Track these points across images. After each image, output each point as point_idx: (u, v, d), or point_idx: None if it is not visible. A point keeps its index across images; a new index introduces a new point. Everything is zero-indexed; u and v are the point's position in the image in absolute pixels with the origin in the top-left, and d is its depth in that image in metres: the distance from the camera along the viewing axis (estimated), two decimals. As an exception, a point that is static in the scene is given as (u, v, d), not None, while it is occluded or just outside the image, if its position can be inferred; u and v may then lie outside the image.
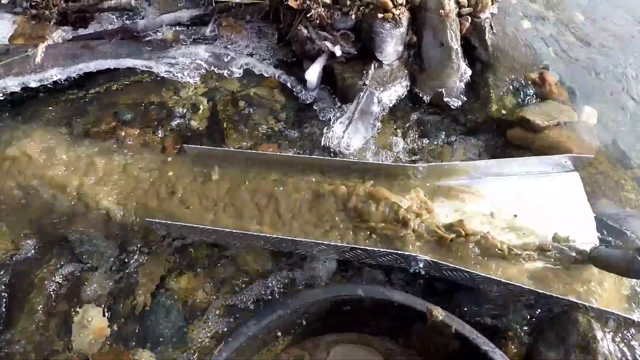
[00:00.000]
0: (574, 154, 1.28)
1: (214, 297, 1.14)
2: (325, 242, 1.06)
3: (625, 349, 0.93)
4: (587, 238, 1.14)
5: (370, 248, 1.04)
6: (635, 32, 1.97)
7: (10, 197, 1.27)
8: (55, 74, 1.50)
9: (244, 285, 1.15)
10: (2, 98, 1.46)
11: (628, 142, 1.52)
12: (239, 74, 1.62)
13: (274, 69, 1.63)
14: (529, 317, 1.01)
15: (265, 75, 1.63)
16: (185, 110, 1.54)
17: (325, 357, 0.69)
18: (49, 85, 1.52)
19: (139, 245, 1.22)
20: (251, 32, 1.77)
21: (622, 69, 1.79)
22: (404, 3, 1.50)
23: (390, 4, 1.47)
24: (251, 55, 1.69)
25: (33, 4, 1.74)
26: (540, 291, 0.97)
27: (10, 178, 1.29)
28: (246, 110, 1.54)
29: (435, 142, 1.47)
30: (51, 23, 1.73)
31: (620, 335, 0.95)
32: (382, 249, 1.04)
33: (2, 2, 1.72)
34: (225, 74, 1.61)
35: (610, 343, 0.92)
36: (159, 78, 1.61)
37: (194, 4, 1.84)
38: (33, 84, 1.48)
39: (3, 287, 1.12)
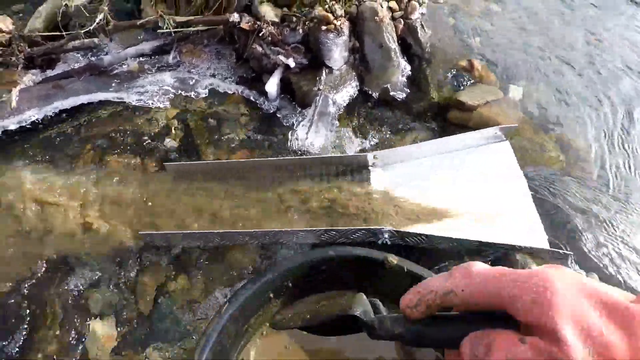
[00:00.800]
0: (502, 125, 1.51)
1: (211, 293, 1.28)
2: (303, 230, 1.23)
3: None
4: (520, 194, 1.37)
5: (342, 228, 1.22)
6: (550, 15, 2.27)
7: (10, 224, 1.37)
8: (32, 115, 1.60)
9: (236, 278, 1.30)
10: (-17, 144, 1.55)
11: (548, 111, 1.78)
12: (205, 94, 1.77)
13: (236, 85, 1.79)
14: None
15: (229, 92, 1.79)
16: (159, 133, 1.68)
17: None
18: (27, 126, 1.62)
19: (135, 258, 1.34)
20: (210, 55, 1.93)
21: (541, 49, 2.07)
22: (343, 14, 1.70)
23: (331, 17, 1.67)
24: (213, 75, 1.84)
25: (-2, 52, 1.83)
26: (482, 241, 1.18)
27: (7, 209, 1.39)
28: (216, 126, 1.70)
29: (388, 132, 1.67)
30: (19, 68, 1.83)
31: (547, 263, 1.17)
32: (352, 227, 1.22)
33: (-32, 54, 1.79)
34: (192, 96, 1.76)
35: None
36: (131, 107, 1.74)
37: (154, 35, 1.98)
38: (12, 127, 1.58)
39: (24, 308, 1.21)
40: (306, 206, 1.32)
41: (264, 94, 1.75)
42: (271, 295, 0.79)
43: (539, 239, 1.24)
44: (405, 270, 0.79)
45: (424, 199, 1.36)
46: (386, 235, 1.23)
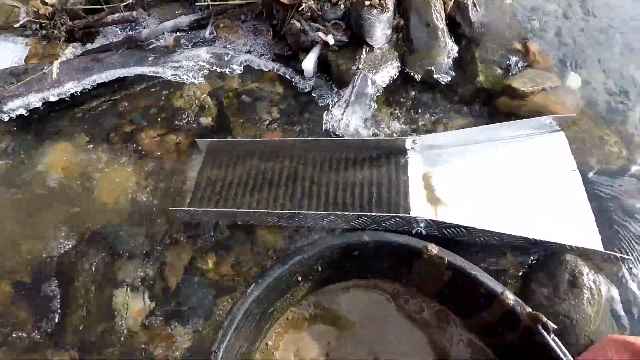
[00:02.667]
0: (557, 114, 1.37)
1: (239, 272, 1.26)
2: (334, 213, 1.18)
3: (606, 280, 1.04)
4: (573, 190, 1.24)
5: (375, 214, 1.15)
6: (618, 1, 2.03)
7: (47, 195, 1.40)
8: (71, 87, 1.62)
9: (264, 258, 1.27)
10: (26, 114, 1.59)
11: (610, 102, 1.60)
12: (240, 71, 1.73)
13: (272, 62, 1.74)
14: (522, 260, 1.12)
15: (265, 69, 1.74)
16: (193, 109, 1.66)
17: (340, 301, 0.80)
18: (66, 99, 1.65)
19: (165, 234, 1.34)
20: (247, 31, 1.88)
21: (605, 36, 1.87)
22: (388, -11, 1.59)
23: (376, -9, 1.56)
24: (249, 52, 1.80)
25: (42, 25, 1.87)
26: (530, 237, 1.07)
27: (43, 180, 1.42)
28: (250, 104, 1.65)
29: (429, 117, 1.56)
30: (60, 41, 1.86)
31: (601, 269, 1.06)
32: (386, 214, 1.15)
33: (15, 26, 1.84)
34: (227, 72, 1.73)
35: (594, 276, 1.02)
36: (166, 82, 1.73)
37: (191, 10, 1.95)
38: (52, 98, 1.61)
39: (57, 278, 1.25)
40: (339, 188, 1.26)
41: (300, 72, 1.68)
42: (299, 278, 0.75)
43: (592, 240, 1.11)
44: (446, 262, 0.72)
45: (465, 189, 1.26)
46: (422, 225, 1.15)
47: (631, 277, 1.12)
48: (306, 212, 1.20)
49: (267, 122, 1.60)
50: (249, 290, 0.63)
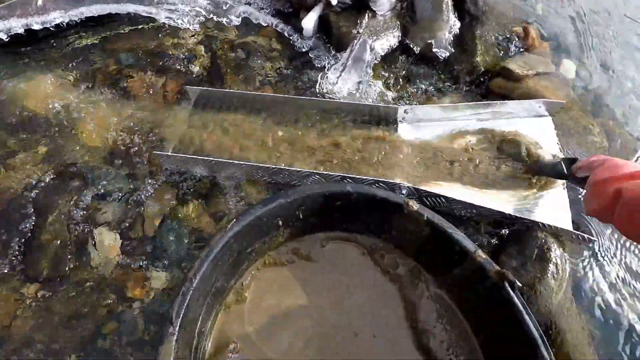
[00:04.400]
0: (548, 99, 1.39)
1: (218, 222, 1.26)
2: (318, 172, 1.18)
3: (572, 259, 1.09)
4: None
5: (359, 177, 1.16)
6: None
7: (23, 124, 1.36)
8: (57, 17, 1.53)
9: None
10: (6, 39, 1.50)
11: (601, 95, 1.63)
12: (238, 22, 1.68)
13: (271, 17, 1.69)
14: (495, 234, 1.16)
15: (263, 24, 1.69)
16: (185, 56, 1.61)
17: (319, 251, 0.82)
18: (51, 28, 1.56)
19: (146, 178, 1.32)
20: (248, -18, 1.81)
21: (605, 29, 1.88)
22: (398, -46, 1.55)
23: (385, -45, 1.52)
24: (249, 4, 1.73)
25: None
26: (506, 212, 1.11)
27: (20, 109, 1.37)
28: (244, 57, 1.61)
29: (422, 90, 1.56)
30: (49, -33, 1.74)
31: (569, 247, 1.11)
32: (370, 177, 1.16)
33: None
34: (224, 22, 1.67)
35: (561, 253, 1.07)
36: (159, 25, 1.66)
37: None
38: (36, 26, 1.52)
39: (30, 212, 1.22)
40: (328, 149, 1.26)
41: (299, 30, 1.64)
42: (280, 222, 0.75)
43: (564, 220, 1.16)
44: (425, 218, 0.74)
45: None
46: (404, 192, 1.17)
47: (594, 258, 1.18)
48: (292, 168, 1.20)
49: (261, 77, 1.57)
50: (229, 226, 0.63)
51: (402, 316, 0.79)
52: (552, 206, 1.20)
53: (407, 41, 1.62)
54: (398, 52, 1.62)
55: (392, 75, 1.58)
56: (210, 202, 1.29)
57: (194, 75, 1.57)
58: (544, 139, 1.35)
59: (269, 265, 0.80)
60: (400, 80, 1.57)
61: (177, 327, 0.53)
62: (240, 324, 0.73)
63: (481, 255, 0.71)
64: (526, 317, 0.62)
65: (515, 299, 0.64)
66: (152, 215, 1.27)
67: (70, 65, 1.54)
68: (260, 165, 1.22)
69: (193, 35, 1.66)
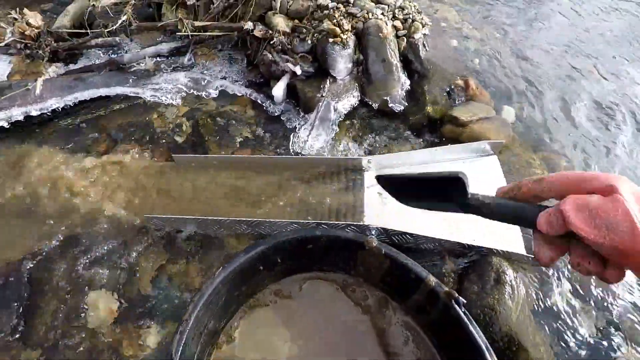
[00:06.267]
0: (491, 140, 1.60)
1: (204, 275, 1.36)
2: (296, 221, 1.32)
3: (525, 279, 1.23)
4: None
5: (333, 222, 1.31)
6: (549, 48, 2.39)
7: (24, 201, 1.47)
8: (53, 104, 1.72)
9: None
10: (7, 127, 1.66)
11: (539, 133, 1.87)
12: (216, 95, 1.89)
13: (245, 88, 1.91)
14: (458, 263, 1.30)
15: (238, 94, 1.91)
16: (170, 128, 1.79)
17: (298, 291, 0.94)
18: (47, 114, 1.74)
19: (139, 240, 1.43)
20: (223, 59, 2.06)
21: (538, 76, 2.19)
22: (350, 29, 1.83)
23: (339, 30, 1.79)
24: (224, 78, 1.97)
25: (27, 45, 1.97)
26: (464, 242, 1.26)
27: (21, 185, 1.49)
28: (223, 125, 1.80)
29: (384, 141, 1.77)
30: (44, 60, 1.96)
31: (521, 268, 1.25)
32: (342, 222, 1.31)
33: (1, 46, 1.93)
34: (203, 95, 1.88)
35: (516, 275, 1.21)
36: (145, 103, 1.86)
37: (171, 38, 2.12)
38: (34, 113, 1.69)
39: (28, 279, 1.30)
40: (301, 200, 1.41)
41: (270, 97, 1.86)
42: (261, 267, 0.88)
43: (516, 245, 1.31)
44: (383, 252, 0.88)
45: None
46: (373, 232, 1.31)
47: (547, 276, 1.32)
48: (272, 220, 1.34)
49: (239, 141, 1.75)
50: (216, 273, 0.76)
51: (376, 342, 0.89)
52: (504, 232, 1.36)
53: (366, 99, 1.85)
54: (359, 109, 1.85)
55: (355, 130, 1.79)
56: (198, 258, 1.40)
57: (179, 144, 1.74)
58: (491, 175, 1.54)
59: (254, 306, 0.91)
60: (363, 134, 1.78)
61: (177, 364, 0.63)
62: (232, 362, 0.82)
63: (432, 279, 0.84)
64: (472, 328, 0.74)
65: (461, 314, 0.76)
66: (144, 275, 1.36)
67: (66, 143, 1.70)
68: (243, 219, 1.35)
69: (177, 109, 1.85)
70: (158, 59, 2.02)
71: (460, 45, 2.21)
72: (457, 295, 0.79)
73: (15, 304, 1.27)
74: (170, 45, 1.99)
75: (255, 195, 1.46)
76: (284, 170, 1.53)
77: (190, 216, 1.38)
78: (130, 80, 1.86)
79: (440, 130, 1.79)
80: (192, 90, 1.87)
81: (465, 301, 0.79)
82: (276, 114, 1.83)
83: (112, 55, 2.01)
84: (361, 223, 1.30)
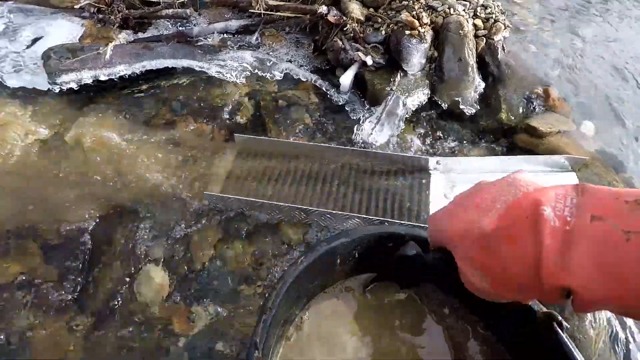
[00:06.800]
0: (571, 155, 1.47)
1: (259, 262, 1.33)
2: (358, 215, 1.26)
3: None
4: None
5: (396, 221, 1.24)
6: (630, 60, 2.20)
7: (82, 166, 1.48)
8: (122, 70, 1.72)
9: (284, 254, 1.34)
10: (76, 88, 1.68)
11: (621, 152, 1.72)
12: (280, 77, 1.85)
13: (310, 74, 1.86)
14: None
15: (303, 79, 1.85)
16: (231, 106, 1.76)
17: (370, 290, 0.88)
18: (115, 79, 1.75)
19: (194, 217, 1.41)
20: (290, 42, 2.02)
21: (619, 91, 2.01)
22: (429, 23, 1.73)
23: (417, 23, 1.70)
24: (290, 61, 1.92)
25: (100, 9, 2.00)
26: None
27: (81, 151, 1.50)
28: (285, 108, 1.76)
29: (450, 143, 1.67)
30: (114, 27, 1.98)
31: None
32: (406, 222, 1.23)
33: (75, 7, 1.97)
34: (267, 77, 1.84)
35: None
36: (209, 78, 1.84)
37: (239, 15, 2.09)
38: (103, 77, 1.71)
39: (88, 246, 1.31)
40: (365, 194, 1.35)
41: (335, 86, 1.80)
42: (338, 260, 0.82)
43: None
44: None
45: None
46: (441, 239, 1.23)
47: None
48: (332, 211, 1.28)
49: (300, 126, 1.70)
50: (299, 261, 0.71)
51: (450, 356, 0.82)
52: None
53: (436, 98, 1.75)
54: (427, 107, 1.75)
55: (421, 128, 1.70)
56: (252, 242, 1.37)
57: (239, 123, 1.71)
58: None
59: (324, 299, 0.86)
60: (430, 133, 1.68)
61: (261, 353, 0.58)
62: (299, 354, 0.78)
63: (528, 299, 0.76)
64: (577, 356, 0.66)
65: (565, 339, 0.68)
66: (198, 254, 1.34)
67: (128, 111, 1.70)
68: (302, 207, 1.30)
69: (239, 88, 1.82)
70: (225, 35, 1.99)
71: (540, 51, 2.06)
72: (560, 318, 0.70)
73: (78, 264, 1.28)
74: (239, 23, 1.96)
75: (315, 184, 1.40)
76: (346, 161, 1.46)
77: (248, 198, 1.35)
78: (197, 54, 1.84)
79: (513, 138, 1.67)
80: (256, 70, 1.84)
81: (568, 326, 0.70)
82: (340, 103, 1.76)
83: (181, 28, 2.01)
84: (427, 226, 1.22)
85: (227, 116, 1.73)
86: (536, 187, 0.47)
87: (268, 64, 1.85)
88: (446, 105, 1.74)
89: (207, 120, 1.70)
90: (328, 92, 1.79)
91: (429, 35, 1.71)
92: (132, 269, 1.30)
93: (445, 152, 1.64)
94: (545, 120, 1.67)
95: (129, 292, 1.25)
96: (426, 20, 1.72)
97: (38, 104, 1.68)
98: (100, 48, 1.76)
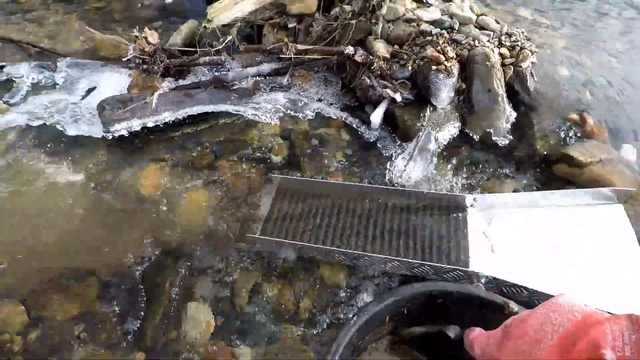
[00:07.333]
0: (616, 187, 1.43)
1: (299, 304, 1.36)
2: (398, 259, 1.27)
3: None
4: (631, 262, 1.28)
5: (437, 265, 1.24)
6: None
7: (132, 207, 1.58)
8: (167, 117, 1.85)
9: (323, 294, 1.37)
10: (127, 135, 1.82)
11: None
12: (312, 116, 1.92)
13: (340, 111, 1.92)
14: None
15: (333, 117, 1.92)
16: (267, 146, 1.84)
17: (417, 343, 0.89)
18: (161, 125, 1.87)
19: (236, 257, 1.47)
20: (318, 81, 2.10)
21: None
22: (454, 57, 1.76)
23: (443, 58, 1.73)
24: (320, 100, 1.99)
25: (144, 60, 2.16)
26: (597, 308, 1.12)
27: (130, 193, 1.61)
28: (318, 147, 1.82)
29: (485, 176, 1.66)
30: (157, 75, 2.13)
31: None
32: (447, 266, 1.23)
33: (123, 59, 2.14)
34: (300, 116, 1.92)
35: None
36: (244, 120, 1.93)
37: (270, 59, 2.20)
38: (150, 124, 1.84)
39: (139, 285, 1.39)
40: (401, 235, 1.36)
41: (365, 122, 1.84)
42: (387, 318, 0.84)
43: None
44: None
45: (522, 250, 1.33)
46: (482, 280, 1.22)
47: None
48: (372, 254, 1.30)
49: (333, 165, 1.75)
50: (352, 321, 0.74)
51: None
52: (632, 295, 1.19)
53: (467, 130, 1.76)
54: (459, 140, 1.76)
55: (456, 162, 1.70)
56: (292, 282, 1.41)
57: (275, 163, 1.78)
58: (616, 227, 1.37)
59: (371, 353, 0.88)
60: (464, 166, 1.69)
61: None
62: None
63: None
64: None
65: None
66: (241, 293, 1.39)
67: (173, 154, 1.81)
68: (342, 250, 1.33)
69: (273, 128, 1.90)
70: (257, 78, 2.10)
71: (570, 74, 2.03)
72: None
73: (131, 302, 1.36)
74: (271, 66, 2.06)
75: (352, 225, 1.43)
76: (382, 199, 1.49)
77: (288, 240, 1.39)
78: (233, 98, 1.95)
79: (550, 169, 1.64)
80: (289, 111, 1.92)
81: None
82: (371, 140, 1.80)
83: (216, 73, 2.13)
84: (468, 269, 1.22)
85: (264, 156, 1.81)
86: (583, 312, 0.49)
87: (300, 104, 1.92)
88: (478, 137, 1.74)
89: (245, 161, 1.79)
90: (359, 130, 1.84)
91: (455, 68, 1.74)
92: (179, 307, 1.36)
93: (480, 185, 1.64)
94: (583, 148, 1.63)
95: (176, 330, 1.31)
96: (452, 54, 1.75)
97: (92, 150, 1.81)
98: (147, 98, 1.90)
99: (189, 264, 1.46)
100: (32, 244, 1.49)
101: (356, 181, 1.67)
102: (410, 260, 1.26)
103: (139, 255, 1.48)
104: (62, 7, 2.82)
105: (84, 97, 2.05)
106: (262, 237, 1.42)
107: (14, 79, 2.15)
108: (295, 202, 1.55)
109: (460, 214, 1.43)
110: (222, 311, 1.36)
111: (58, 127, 1.88)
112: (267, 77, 2.13)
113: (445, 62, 1.73)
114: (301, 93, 2.02)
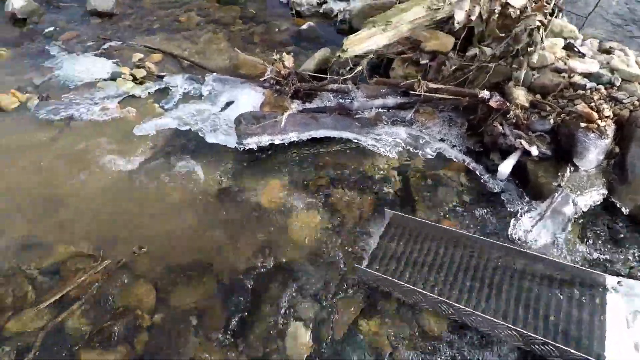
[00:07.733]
0: None
1: (396, 344, 1.31)
2: (517, 329, 1.15)
3: None
4: None
5: (560, 346, 1.09)
6: None
7: (253, 221, 1.71)
8: (293, 136, 1.99)
9: (422, 344, 1.30)
10: (255, 149, 2.00)
11: None
12: (432, 156, 1.88)
13: (462, 155, 1.84)
14: None
15: (454, 160, 1.85)
16: (381, 178, 1.85)
17: None
18: (285, 144, 2.02)
19: (340, 284, 1.48)
20: (442, 120, 2.05)
21: None
22: (611, 116, 1.57)
23: (596, 116, 1.56)
24: (442, 140, 1.94)
25: (278, 81, 2.36)
26: None
27: (251, 204, 1.75)
28: (434, 187, 1.77)
29: (632, 257, 1.43)
30: (287, 96, 2.31)
31: None
32: (572, 350, 1.08)
33: (261, 79, 2.37)
34: (419, 154, 1.89)
35: None
36: (361, 149, 1.98)
37: (393, 92, 2.22)
38: (277, 142, 1.99)
39: (249, 291, 1.49)
40: (521, 302, 1.23)
41: (490, 170, 1.74)
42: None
43: None
44: None
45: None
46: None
47: None
48: (487, 316, 1.20)
49: (448, 208, 1.68)
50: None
51: None
52: None
53: (614, 200, 1.54)
54: (601, 210, 1.55)
55: (594, 234, 1.50)
56: (392, 322, 1.37)
57: (387, 197, 1.78)
58: None
59: None
60: (604, 241, 1.48)
61: None
62: None
63: None
64: None
65: None
66: (340, 321, 1.40)
67: (292, 172, 1.93)
68: (450, 302, 1.26)
69: (389, 161, 1.91)
70: (380, 110, 2.14)
71: None
72: None
73: (241, 306, 1.45)
74: (396, 100, 2.08)
75: (465, 278, 1.35)
76: (502, 257, 1.38)
77: (395, 280, 1.36)
78: (355, 127, 2.01)
79: None
80: (409, 147, 1.91)
81: None
82: (495, 190, 1.69)
83: (340, 100, 2.23)
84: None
85: (377, 187, 1.82)
86: None
87: (421, 142, 1.90)
88: (628, 210, 1.51)
89: (358, 189, 1.82)
90: (482, 177, 1.74)
91: (610, 129, 1.55)
92: (282, 322, 1.41)
93: (625, 266, 1.41)
94: None
95: (276, 344, 1.36)
96: (608, 112, 1.56)
97: (222, 158, 2.02)
98: (277, 117, 2.06)
99: (296, 281, 1.51)
100: (168, 235, 1.69)
101: (471, 231, 1.57)
102: (532, 335, 1.13)
103: (253, 264, 1.58)
104: (213, 28, 3.24)
105: (223, 109, 2.32)
106: (369, 270, 1.41)
107: (170, 87, 2.52)
108: (405, 241, 1.52)
109: (597, 296, 1.25)
110: (320, 336, 1.37)
111: (200, 133, 2.14)
112: (389, 110, 2.15)
113: (599, 121, 1.55)
114: (423, 130, 2.00)
